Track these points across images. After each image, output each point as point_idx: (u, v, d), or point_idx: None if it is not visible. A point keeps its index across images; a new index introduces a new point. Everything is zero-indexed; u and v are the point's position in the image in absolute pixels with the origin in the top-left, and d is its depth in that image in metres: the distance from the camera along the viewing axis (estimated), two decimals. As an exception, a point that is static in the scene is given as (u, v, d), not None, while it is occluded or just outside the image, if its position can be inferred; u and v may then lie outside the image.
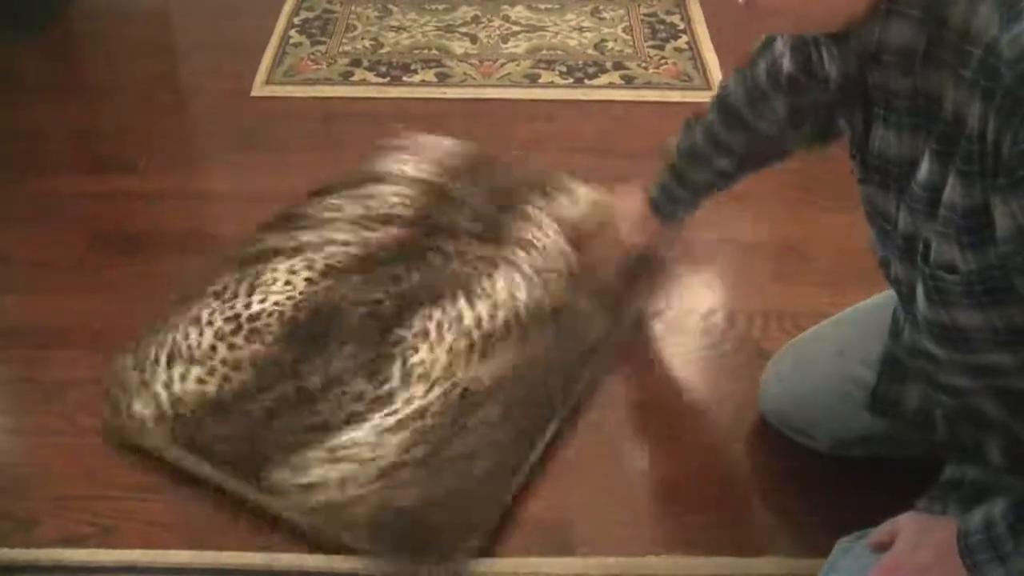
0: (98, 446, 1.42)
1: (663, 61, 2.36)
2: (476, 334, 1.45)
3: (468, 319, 1.47)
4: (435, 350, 1.42)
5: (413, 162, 1.79)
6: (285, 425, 1.34)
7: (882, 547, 1.01)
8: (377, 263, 1.57)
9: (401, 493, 1.27)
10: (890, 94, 0.83)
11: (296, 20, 2.53)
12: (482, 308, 1.49)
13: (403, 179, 1.75)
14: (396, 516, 1.26)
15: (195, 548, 1.29)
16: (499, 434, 1.35)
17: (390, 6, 2.59)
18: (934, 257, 0.82)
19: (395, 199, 1.70)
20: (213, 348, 1.43)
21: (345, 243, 1.60)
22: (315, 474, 1.29)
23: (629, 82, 2.29)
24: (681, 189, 1.46)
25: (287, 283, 1.52)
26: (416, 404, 1.36)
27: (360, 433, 1.33)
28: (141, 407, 1.37)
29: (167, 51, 2.49)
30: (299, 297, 1.50)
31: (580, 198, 1.76)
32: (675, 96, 2.24)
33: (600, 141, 2.08)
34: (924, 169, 0.81)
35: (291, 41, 2.44)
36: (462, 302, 1.49)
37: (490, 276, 1.54)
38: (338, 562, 1.28)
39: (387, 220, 1.66)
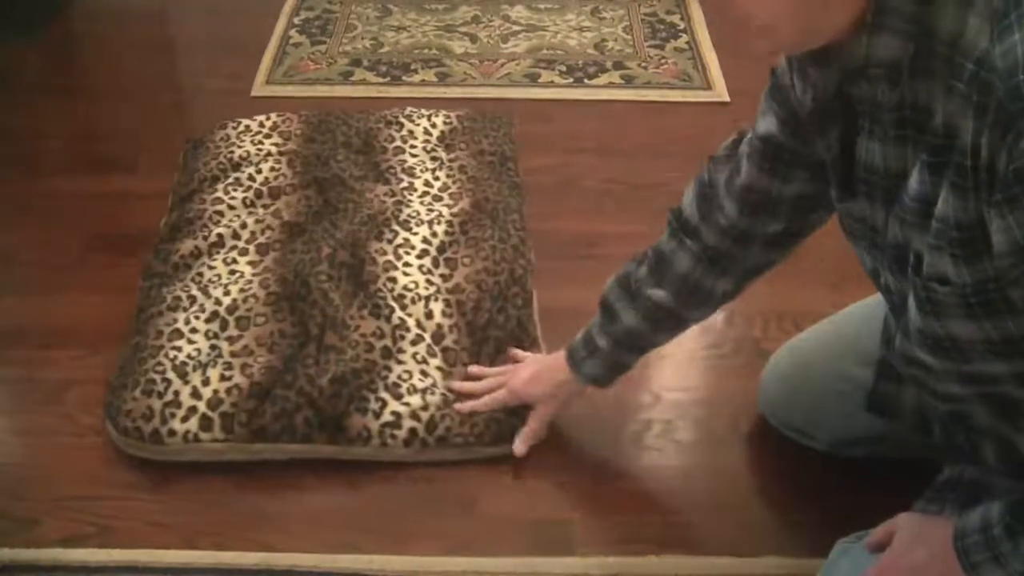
0: (98, 446, 1.42)
1: (663, 61, 2.36)
2: (432, 251, 1.64)
3: (415, 241, 1.66)
4: (410, 273, 1.59)
5: (260, 138, 1.91)
6: (331, 380, 1.39)
7: (879, 547, 1.01)
8: (301, 227, 1.70)
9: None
10: (876, 107, 0.82)
11: (296, 20, 2.53)
12: (420, 230, 1.68)
13: (262, 156, 1.86)
14: (480, 416, 1.39)
15: (195, 548, 1.29)
16: (501, 318, 1.54)
17: (390, 6, 2.59)
18: (927, 269, 0.82)
19: (269, 173, 1.81)
20: (214, 348, 1.46)
21: (257, 222, 1.70)
22: (389, 412, 1.38)
23: (629, 82, 2.29)
24: (601, 333, 1.30)
25: (232, 272, 1.61)
26: (428, 327, 1.51)
27: (405, 366, 1.45)
28: (180, 424, 1.36)
29: (167, 51, 2.49)
30: (257, 278, 1.58)
31: (434, 121, 1.96)
32: (675, 96, 2.24)
33: (600, 141, 2.08)
34: (915, 180, 0.81)
35: (291, 41, 2.44)
36: (400, 231, 1.68)
37: (404, 203, 1.74)
38: (338, 562, 1.28)
39: (275, 192, 1.78)
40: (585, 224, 1.83)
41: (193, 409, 1.38)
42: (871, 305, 1.27)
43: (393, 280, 1.57)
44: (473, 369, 1.47)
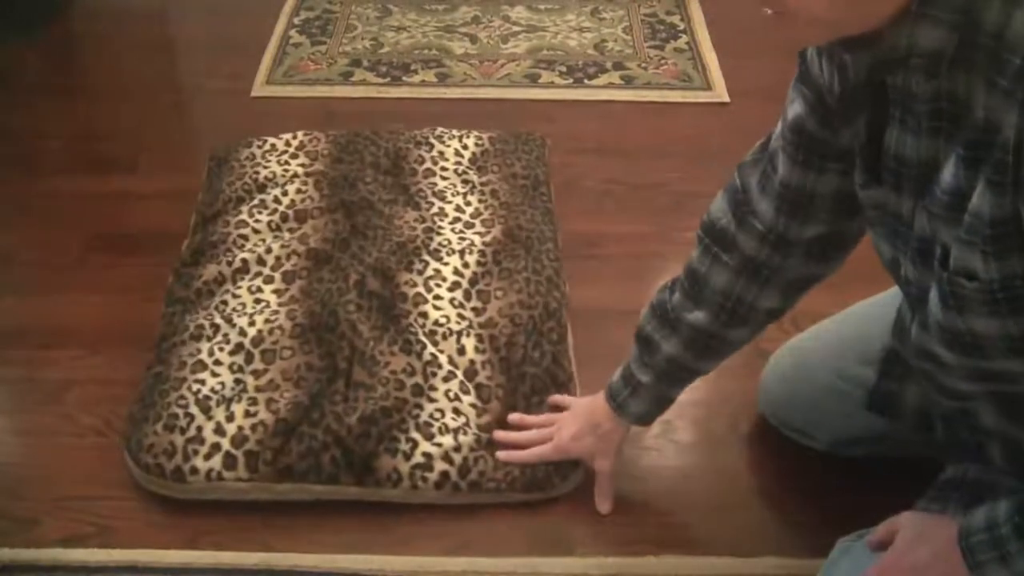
0: (98, 446, 1.42)
1: (663, 61, 2.36)
2: (464, 283, 1.59)
3: (446, 272, 1.61)
4: (441, 307, 1.55)
5: (286, 158, 1.86)
6: (360, 418, 1.36)
7: (881, 545, 1.01)
8: (328, 254, 1.65)
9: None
10: (910, 96, 0.81)
11: (296, 20, 2.53)
12: (451, 260, 1.63)
13: (288, 177, 1.81)
14: (514, 466, 1.35)
15: (195, 548, 1.29)
16: (536, 355, 1.49)
17: (390, 6, 2.59)
18: (954, 263, 0.81)
19: (295, 195, 1.76)
20: (238, 381, 1.42)
21: (282, 247, 1.65)
22: (420, 453, 1.34)
23: (629, 82, 2.29)
24: (642, 368, 1.25)
25: (257, 301, 1.55)
26: (461, 363, 1.46)
27: (437, 404, 1.40)
28: (204, 462, 1.32)
29: (167, 51, 2.49)
30: (283, 308, 1.53)
31: (465, 143, 1.92)
32: (675, 96, 2.24)
33: (600, 141, 2.08)
34: (948, 173, 0.80)
35: (291, 41, 2.44)
36: (430, 260, 1.63)
37: (436, 230, 1.70)
38: (338, 562, 1.28)
39: (302, 216, 1.73)
40: (585, 224, 1.83)
41: (217, 446, 1.33)
42: (873, 305, 1.27)
43: (424, 315, 1.52)
44: (514, 418, 1.41)
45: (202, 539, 1.31)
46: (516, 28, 2.50)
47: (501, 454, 1.36)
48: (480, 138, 1.94)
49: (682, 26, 2.51)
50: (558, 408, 1.41)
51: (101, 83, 2.32)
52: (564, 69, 2.33)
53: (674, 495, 1.39)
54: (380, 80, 2.29)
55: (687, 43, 2.44)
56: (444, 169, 1.85)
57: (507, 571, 1.27)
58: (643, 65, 2.35)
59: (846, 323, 1.33)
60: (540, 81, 2.29)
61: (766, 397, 1.41)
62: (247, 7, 2.59)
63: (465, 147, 1.91)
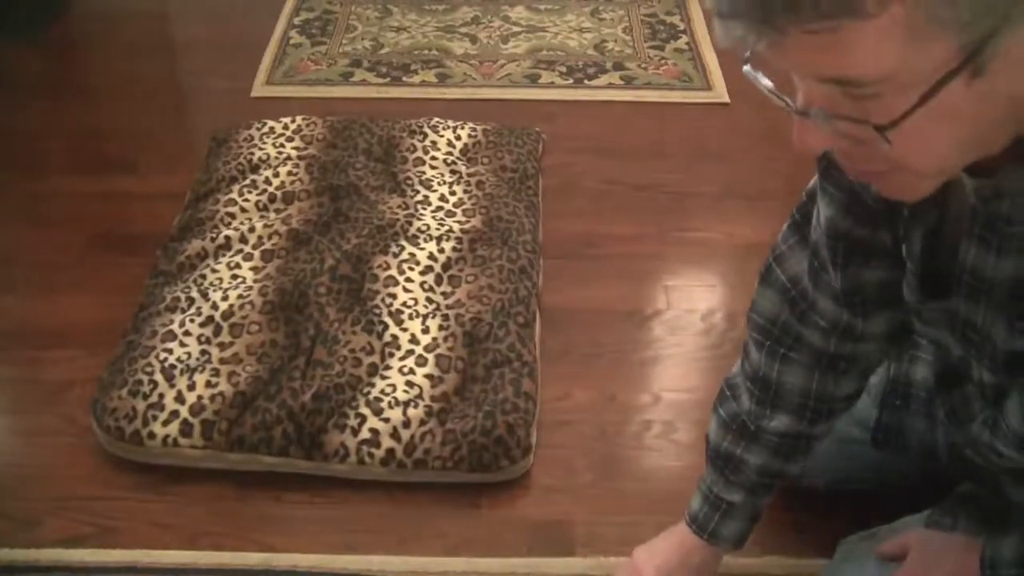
0: (98, 446, 1.42)
1: (663, 61, 2.36)
2: (436, 267, 1.61)
3: (420, 256, 1.62)
4: (411, 290, 1.57)
5: (282, 140, 1.89)
6: (314, 395, 1.38)
7: (890, 557, 1.00)
8: (308, 235, 1.68)
9: (457, 422, 1.37)
10: (999, 218, 0.74)
11: (296, 20, 2.53)
12: (427, 245, 1.65)
13: (281, 159, 1.84)
14: (464, 439, 1.35)
15: (195, 548, 1.29)
16: (500, 332, 1.50)
17: (390, 6, 2.59)
18: None
19: (286, 177, 1.79)
20: (204, 352, 1.46)
21: (266, 227, 1.69)
22: (368, 429, 1.36)
23: (629, 82, 2.29)
24: (729, 487, 1.10)
25: (234, 276, 1.60)
26: (423, 340, 1.48)
27: (389, 380, 1.42)
28: (161, 427, 1.36)
29: (167, 51, 2.49)
30: (257, 284, 1.57)
31: (459, 133, 1.93)
32: (675, 96, 2.24)
33: (600, 141, 2.08)
34: None
35: (291, 41, 2.44)
36: (407, 245, 1.65)
37: (416, 216, 1.72)
38: (338, 562, 1.28)
39: (289, 198, 1.76)
40: (585, 224, 1.83)
41: (175, 413, 1.37)
42: None
43: (393, 296, 1.55)
44: None
45: (202, 539, 1.31)
46: (516, 28, 2.50)
47: None
48: (474, 130, 1.96)
49: (682, 26, 2.51)
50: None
51: (101, 83, 2.32)
52: (564, 69, 2.33)
53: (674, 495, 1.38)
54: (380, 80, 2.29)
55: (687, 43, 2.44)
56: (434, 159, 1.87)
57: (507, 571, 1.27)
58: (643, 65, 2.35)
59: None
60: (540, 81, 2.29)
61: None
62: (247, 7, 2.59)
63: (458, 138, 1.93)
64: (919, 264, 0.83)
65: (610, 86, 2.28)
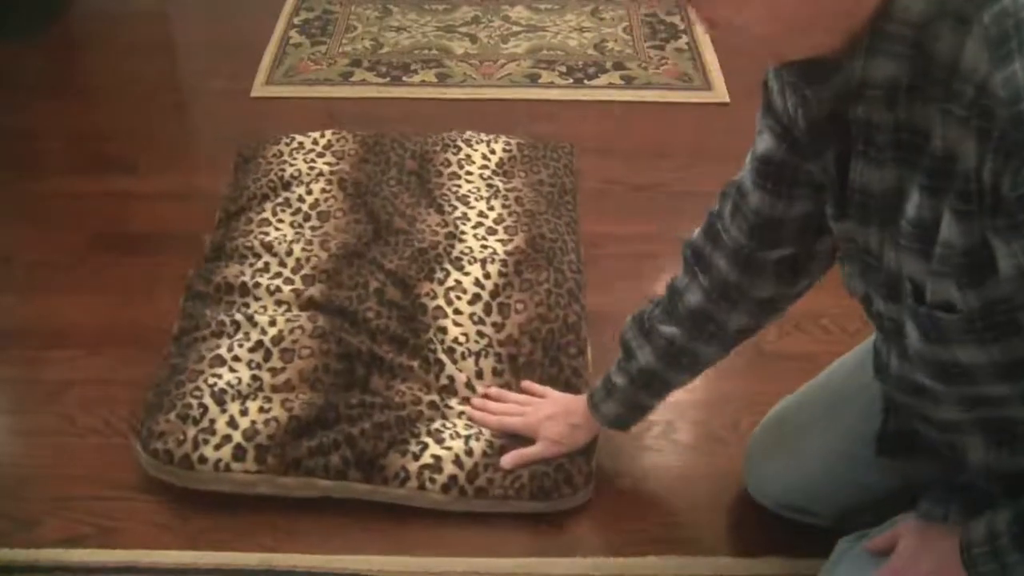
0: (98, 446, 1.42)
1: (663, 61, 2.36)
2: (484, 295, 1.59)
3: (467, 283, 1.59)
4: (461, 323, 1.54)
5: (313, 156, 1.85)
6: (373, 424, 1.36)
7: (881, 551, 1.00)
8: (349, 257, 1.64)
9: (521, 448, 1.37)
10: (872, 128, 0.81)
11: (296, 20, 2.53)
12: (472, 269, 1.63)
13: (313, 176, 1.80)
14: (527, 470, 1.34)
15: (195, 548, 1.29)
16: (554, 371, 1.49)
17: (390, 6, 2.59)
18: (931, 297, 0.80)
19: (320, 195, 1.75)
20: (255, 378, 1.42)
21: (304, 249, 1.65)
22: (430, 455, 1.35)
23: (629, 82, 2.29)
24: (618, 371, 1.27)
25: (278, 302, 1.56)
26: (478, 385, 1.48)
27: (449, 420, 1.42)
28: (213, 451, 1.33)
29: (167, 51, 2.49)
30: (304, 312, 1.53)
31: (493, 147, 1.90)
32: (675, 96, 2.24)
33: (600, 141, 2.08)
34: (913, 204, 0.79)
35: (291, 41, 2.44)
36: (451, 270, 1.63)
37: (458, 236, 1.70)
38: (338, 563, 1.28)
39: (324, 216, 1.72)
40: (585, 224, 1.83)
41: (228, 438, 1.34)
42: (860, 352, 1.22)
43: (443, 330, 1.52)
44: (492, 391, 1.45)
45: (202, 539, 1.31)
46: (516, 28, 2.50)
47: (468, 409, 1.42)
48: (508, 143, 1.92)
49: (682, 26, 2.51)
50: (534, 394, 1.44)
51: (101, 83, 2.32)
52: (564, 69, 2.33)
53: (674, 495, 1.39)
54: (380, 80, 2.29)
55: (687, 43, 2.44)
56: (469, 173, 1.84)
57: (507, 571, 1.28)
58: (643, 65, 2.35)
59: (833, 379, 1.26)
60: (540, 81, 2.29)
61: (757, 478, 1.32)
62: (247, 7, 2.59)
63: (492, 151, 1.90)
64: (836, 187, 0.89)
65: (610, 86, 2.28)
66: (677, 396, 1.52)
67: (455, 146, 1.90)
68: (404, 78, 2.30)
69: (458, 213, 1.74)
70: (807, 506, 1.25)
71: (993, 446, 0.93)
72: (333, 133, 1.91)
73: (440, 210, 1.75)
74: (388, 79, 2.30)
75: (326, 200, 1.75)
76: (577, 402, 1.36)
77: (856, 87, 0.78)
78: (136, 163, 2.01)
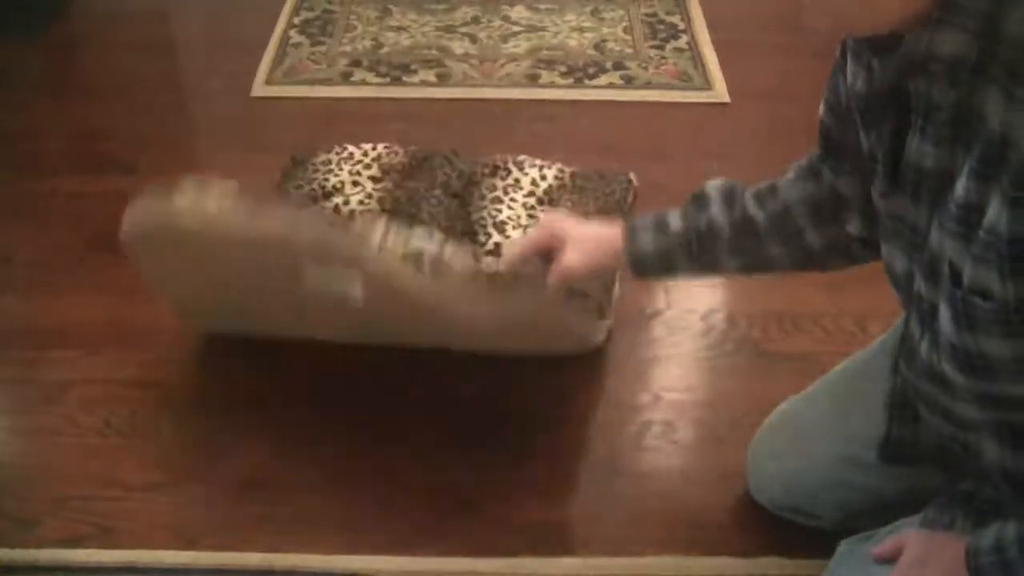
0: (98, 446, 1.42)
1: (663, 61, 2.36)
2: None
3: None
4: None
5: (359, 168, 1.82)
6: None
7: (886, 559, 0.99)
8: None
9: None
10: (932, 105, 0.79)
11: (296, 20, 2.53)
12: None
13: (355, 188, 1.77)
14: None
15: (195, 548, 1.29)
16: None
17: (390, 6, 2.59)
18: (968, 281, 0.78)
19: (357, 206, 1.73)
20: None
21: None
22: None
23: (629, 82, 2.29)
24: (676, 214, 1.19)
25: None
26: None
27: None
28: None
29: (167, 51, 2.49)
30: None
31: (544, 173, 1.87)
32: (675, 96, 2.24)
33: (600, 141, 2.08)
34: (961, 186, 0.77)
35: (291, 41, 2.44)
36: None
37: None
38: (338, 562, 1.28)
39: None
40: (585, 224, 1.83)
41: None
42: (867, 356, 1.22)
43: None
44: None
45: (202, 539, 1.31)
46: (516, 28, 2.50)
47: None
48: (561, 171, 1.83)
49: (682, 26, 2.51)
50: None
51: (101, 83, 2.32)
52: (564, 69, 2.33)
53: (674, 495, 1.39)
54: (380, 80, 2.29)
55: (687, 43, 2.44)
56: (513, 200, 1.75)
57: (507, 571, 1.28)
58: (643, 65, 2.35)
59: (839, 382, 1.25)
60: (540, 81, 2.29)
61: (760, 478, 1.30)
62: (247, 7, 2.59)
63: (543, 178, 1.80)
64: (888, 162, 0.88)
65: (610, 86, 2.28)
66: (677, 396, 1.53)
67: (505, 169, 1.82)
68: (404, 78, 2.30)
69: (490, 244, 1.65)
70: (809, 509, 1.24)
71: (1008, 448, 0.91)
72: (384, 146, 1.86)
73: (474, 237, 1.68)
74: (388, 79, 2.30)
75: (362, 215, 1.71)
76: (612, 229, 1.23)
77: (921, 60, 0.76)
78: (136, 163, 2.01)
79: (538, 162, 1.85)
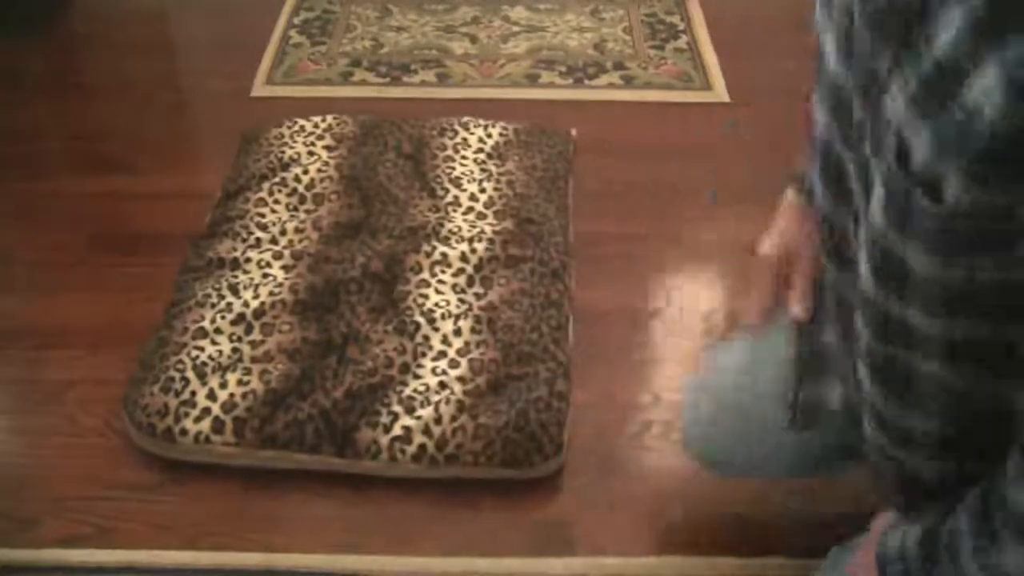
0: (98, 446, 1.42)
1: (663, 61, 2.36)
2: (468, 268, 1.62)
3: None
4: (442, 292, 1.57)
5: (312, 139, 1.89)
6: (346, 393, 1.39)
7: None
8: (339, 237, 1.68)
9: (491, 418, 1.37)
10: None
11: (296, 20, 2.53)
12: (459, 246, 1.65)
13: (311, 158, 1.84)
14: (497, 435, 1.35)
15: (195, 548, 1.29)
16: (534, 336, 1.50)
17: (390, 6, 2.59)
18: (918, 168, 0.61)
19: (316, 175, 1.80)
20: (235, 350, 1.46)
21: (297, 229, 1.69)
22: (400, 426, 1.36)
23: (629, 82, 2.29)
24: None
25: (265, 275, 1.60)
26: (455, 343, 1.48)
27: (422, 380, 1.42)
28: (193, 424, 1.36)
29: (167, 51, 2.49)
30: (287, 283, 1.57)
31: (490, 131, 1.92)
32: (675, 96, 2.24)
33: (600, 141, 2.08)
34: (947, 35, 0.57)
35: (291, 41, 2.44)
36: (439, 245, 1.66)
37: (448, 219, 1.72)
38: (338, 562, 1.28)
39: (319, 199, 1.76)
40: (585, 224, 1.83)
41: (207, 410, 1.38)
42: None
43: (425, 297, 1.55)
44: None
45: (202, 539, 1.31)
46: (516, 28, 2.50)
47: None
48: (505, 129, 1.95)
49: (682, 26, 2.51)
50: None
51: (101, 83, 2.32)
52: (564, 69, 2.33)
53: (674, 495, 1.39)
54: (380, 80, 2.29)
55: (687, 43, 2.43)
56: (464, 157, 1.86)
57: (507, 571, 1.28)
58: (643, 65, 2.35)
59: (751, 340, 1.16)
60: (540, 81, 2.29)
61: (694, 444, 1.24)
62: (247, 7, 2.59)
63: (489, 136, 1.92)
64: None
65: (610, 86, 2.28)
66: (677, 396, 1.52)
67: (452, 130, 1.92)
68: (404, 78, 2.30)
69: (449, 197, 1.76)
70: (761, 467, 1.19)
71: (877, 385, 0.80)
72: (334, 117, 1.95)
73: (432, 193, 1.78)
74: (388, 79, 2.30)
75: (321, 181, 1.79)
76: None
77: None
78: (136, 163, 2.01)
79: (481, 121, 1.95)
